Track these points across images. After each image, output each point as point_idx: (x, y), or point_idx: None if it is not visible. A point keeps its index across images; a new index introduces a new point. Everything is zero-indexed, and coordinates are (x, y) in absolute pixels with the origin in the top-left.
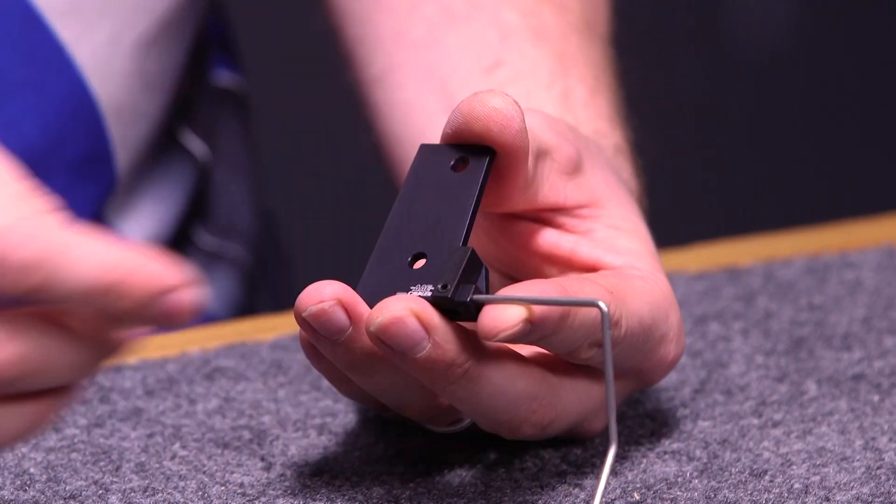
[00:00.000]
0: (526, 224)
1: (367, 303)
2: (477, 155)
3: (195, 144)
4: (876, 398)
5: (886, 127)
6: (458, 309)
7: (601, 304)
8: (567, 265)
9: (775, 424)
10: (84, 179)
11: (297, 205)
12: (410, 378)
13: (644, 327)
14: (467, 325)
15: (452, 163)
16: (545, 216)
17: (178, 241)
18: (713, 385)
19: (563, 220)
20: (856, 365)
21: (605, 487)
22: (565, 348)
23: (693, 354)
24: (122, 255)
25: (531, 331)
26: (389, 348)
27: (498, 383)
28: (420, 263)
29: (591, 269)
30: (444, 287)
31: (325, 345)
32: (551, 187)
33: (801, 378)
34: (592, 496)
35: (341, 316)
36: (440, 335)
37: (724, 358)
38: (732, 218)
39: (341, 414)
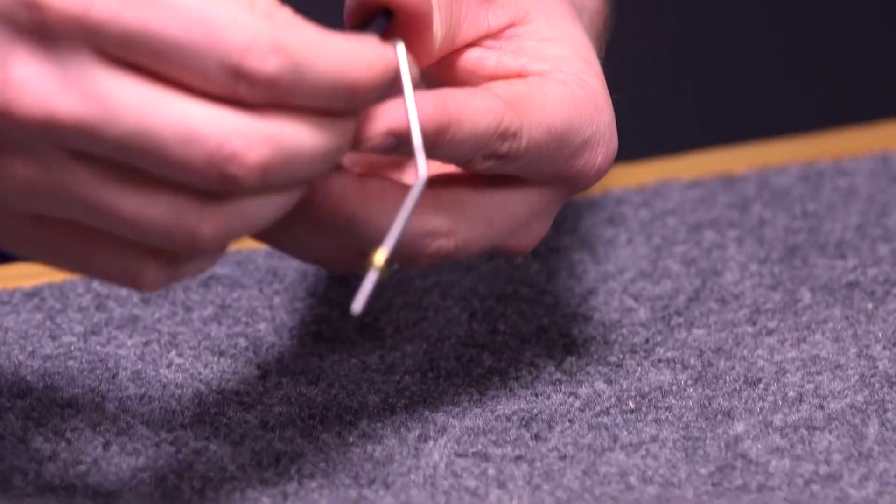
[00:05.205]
0: (453, 53)
1: None
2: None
3: None
4: (870, 306)
5: (881, 34)
6: None
7: (399, 44)
8: (495, 80)
9: (769, 332)
10: None
11: None
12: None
13: (554, 135)
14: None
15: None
16: (474, 45)
17: None
18: (707, 293)
19: (491, 43)
20: (850, 273)
21: (407, 223)
22: (455, 160)
23: (687, 262)
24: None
25: (398, 144)
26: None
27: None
28: None
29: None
30: None
31: None
32: (471, 23)
33: (795, 286)
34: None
35: None
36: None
37: (719, 266)
38: (727, 125)
39: (336, 321)
